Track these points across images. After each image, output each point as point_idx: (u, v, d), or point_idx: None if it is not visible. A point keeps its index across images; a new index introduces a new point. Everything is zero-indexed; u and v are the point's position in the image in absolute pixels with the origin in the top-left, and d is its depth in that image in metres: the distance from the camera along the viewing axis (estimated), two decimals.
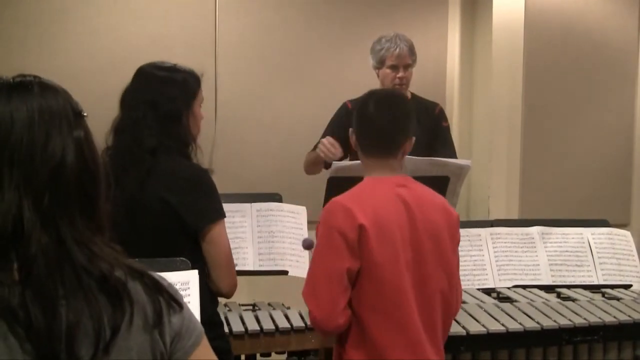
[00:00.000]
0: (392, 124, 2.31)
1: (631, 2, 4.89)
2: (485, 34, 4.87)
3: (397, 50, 3.71)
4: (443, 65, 4.86)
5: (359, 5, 4.63)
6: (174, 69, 2.38)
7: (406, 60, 3.74)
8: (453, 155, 3.79)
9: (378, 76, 3.81)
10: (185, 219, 2.25)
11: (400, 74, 3.73)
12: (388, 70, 3.74)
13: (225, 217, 2.34)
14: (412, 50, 3.76)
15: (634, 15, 4.90)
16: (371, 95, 2.38)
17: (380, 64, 3.76)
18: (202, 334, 1.24)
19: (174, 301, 1.19)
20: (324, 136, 3.74)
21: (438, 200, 2.36)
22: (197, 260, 2.31)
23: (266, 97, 4.50)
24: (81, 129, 1.16)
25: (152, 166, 2.26)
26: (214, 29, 4.42)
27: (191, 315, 1.23)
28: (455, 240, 2.37)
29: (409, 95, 3.86)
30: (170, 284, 1.23)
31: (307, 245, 2.74)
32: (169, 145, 2.29)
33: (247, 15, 4.48)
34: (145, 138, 2.27)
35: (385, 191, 2.26)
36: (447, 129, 3.92)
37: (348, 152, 3.70)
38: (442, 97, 4.73)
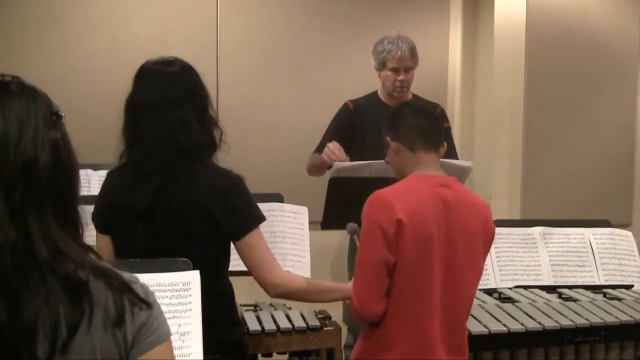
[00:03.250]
0: (429, 120, 2.45)
1: (633, 2, 4.89)
2: (486, 34, 4.86)
3: (399, 53, 3.69)
4: (445, 65, 4.86)
5: (361, 4, 4.63)
6: (178, 60, 2.31)
7: (407, 63, 3.72)
8: (454, 156, 3.79)
9: (379, 77, 3.80)
10: (225, 226, 2.25)
11: (401, 77, 3.72)
12: (389, 73, 3.73)
13: (262, 220, 2.33)
14: (413, 53, 3.74)
15: (635, 15, 4.90)
16: (404, 105, 2.56)
17: (381, 65, 3.75)
18: (167, 336, 1.23)
19: (140, 301, 1.19)
20: (326, 137, 3.73)
21: (480, 209, 2.42)
22: (225, 265, 2.35)
23: (268, 97, 4.50)
24: (57, 129, 1.17)
25: (197, 171, 2.21)
26: (216, 29, 4.42)
27: (159, 316, 1.23)
28: (486, 252, 2.43)
29: (410, 96, 3.86)
30: (142, 285, 1.22)
31: (351, 230, 2.82)
32: (208, 142, 2.26)
33: (249, 15, 4.48)
34: (200, 138, 2.21)
35: (427, 189, 2.33)
36: (448, 130, 3.92)
37: (350, 153, 3.70)
38: (443, 97, 4.73)
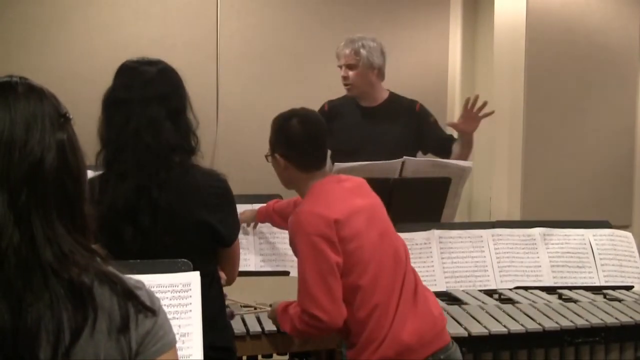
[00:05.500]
0: (322, 140, 2.52)
1: (633, 3, 4.89)
2: (486, 34, 4.87)
3: (340, 49, 3.74)
4: (445, 66, 4.86)
5: (361, 5, 4.64)
6: (160, 61, 2.29)
7: (348, 60, 3.73)
8: (450, 140, 3.78)
9: None
10: (224, 234, 2.27)
11: (343, 74, 3.74)
12: (339, 69, 3.78)
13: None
14: (357, 52, 3.72)
15: (635, 16, 4.90)
16: (292, 116, 2.56)
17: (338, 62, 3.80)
18: (172, 344, 1.22)
19: (145, 308, 1.18)
20: None
21: (363, 180, 2.56)
22: (215, 266, 2.34)
23: (268, 98, 4.50)
24: (65, 131, 1.16)
25: (181, 176, 2.19)
26: (216, 30, 4.42)
27: (165, 323, 1.21)
28: None
29: (385, 94, 3.84)
30: (148, 291, 1.21)
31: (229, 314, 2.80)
32: (184, 144, 2.22)
33: (249, 16, 4.48)
34: (170, 139, 2.17)
35: (334, 189, 2.43)
36: (435, 124, 3.85)
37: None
38: (443, 98, 4.73)
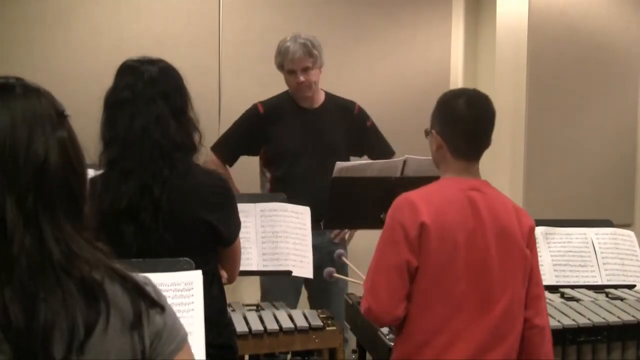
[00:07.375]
0: (484, 127, 2.34)
1: (635, 3, 4.89)
2: (488, 34, 4.86)
3: (290, 54, 3.48)
4: (446, 65, 4.86)
5: (363, 5, 4.63)
6: (161, 60, 2.30)
7: (303, 63, 3.50)
8: (388, 149, 3.70)
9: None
10: (224, 233, 2.29)
11: (299, 79, 3.50)
12: (287, 76, 3.55)
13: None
14: (310, 52, 3.49)
15: (637, 15, 4.90)
16: (461, 94, 2.37)
17: (280, 68, 3.59)
18: (185, 340, 1.23)
19: (155, 304, 1.19)
20: (229, 137, 3.64)
21: (511, 206, 2.35)
22: (215, 265, 2.35)
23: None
24: (64, 129, 1.16)
25: (183, 175, 2.20)
26: (218, 29, 4.42)
27: (175, 319, 1.23)
28: (530, 246, 2.34)
29: (322, 95, 3.67)
30: (154, 287, 1.22)
31: (327, 273, 2.94)
32: (187, 143, 2.24)
33: (251, 14, 4.48)
34: (175, 136, 2.19)
35: (456, 193, 2.24)
36: (372, 129, 3.74)
37: (256, 153, 3.65)
38: None
